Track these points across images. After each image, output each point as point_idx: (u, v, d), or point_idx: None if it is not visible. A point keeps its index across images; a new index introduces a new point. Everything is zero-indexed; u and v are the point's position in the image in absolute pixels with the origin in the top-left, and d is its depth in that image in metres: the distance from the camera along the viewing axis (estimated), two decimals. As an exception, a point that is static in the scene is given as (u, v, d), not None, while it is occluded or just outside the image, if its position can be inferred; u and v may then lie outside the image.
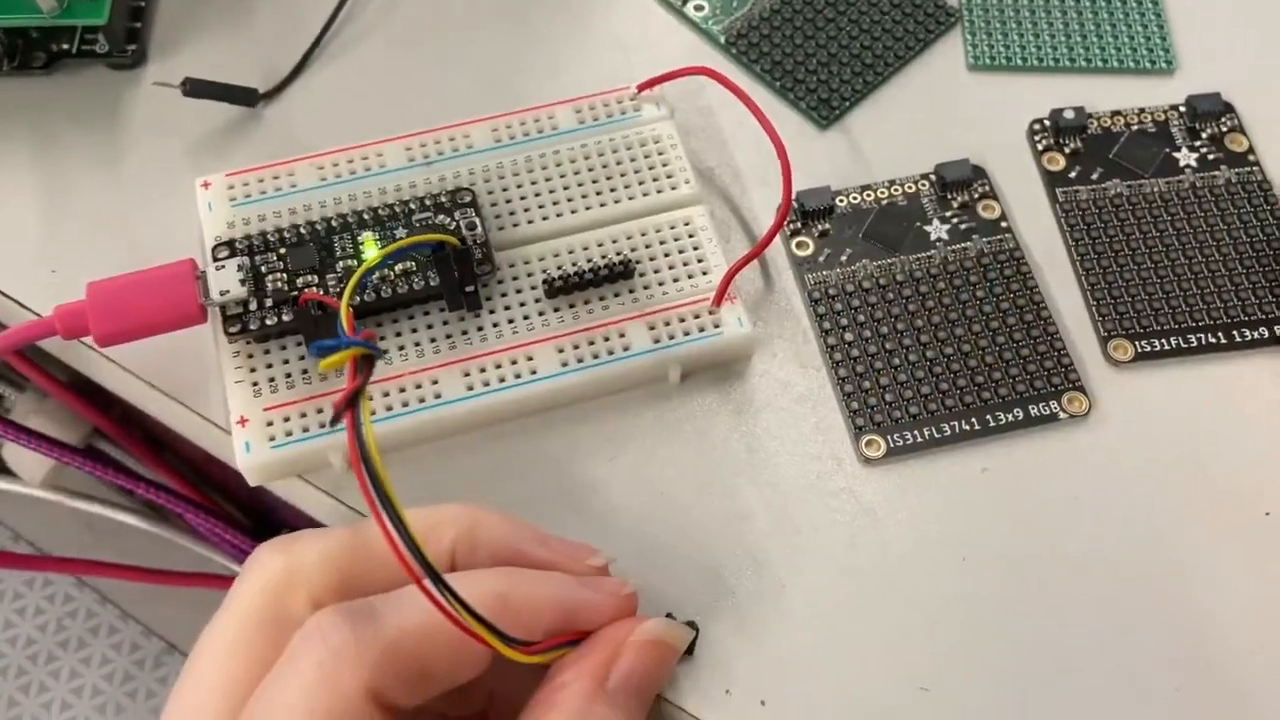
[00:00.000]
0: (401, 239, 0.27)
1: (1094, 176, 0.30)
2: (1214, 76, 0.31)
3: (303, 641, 0.19)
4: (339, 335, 0.21)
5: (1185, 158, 0.30)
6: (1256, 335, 0.27)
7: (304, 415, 0.26)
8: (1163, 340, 0.27)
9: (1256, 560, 0.26)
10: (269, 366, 0.27)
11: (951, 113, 0.31)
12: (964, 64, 0.32)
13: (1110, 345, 0.27)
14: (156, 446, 0.36)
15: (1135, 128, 0.30)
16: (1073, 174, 0.30)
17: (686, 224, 0.28)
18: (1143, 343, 0.27)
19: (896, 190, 0.29)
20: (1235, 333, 0.28)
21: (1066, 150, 0.30)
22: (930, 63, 0.32)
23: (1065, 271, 0.29)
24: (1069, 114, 0.30)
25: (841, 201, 0.29)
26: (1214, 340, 0.27)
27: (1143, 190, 0.29)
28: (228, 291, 0.26)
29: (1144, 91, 0.31)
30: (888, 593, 0.25)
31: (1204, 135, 0.30)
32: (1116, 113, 0.31)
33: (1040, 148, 0.30)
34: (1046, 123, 0.30)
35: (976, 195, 0.29)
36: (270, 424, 0.26)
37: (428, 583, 0.19)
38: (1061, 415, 0.27)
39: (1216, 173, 0.30)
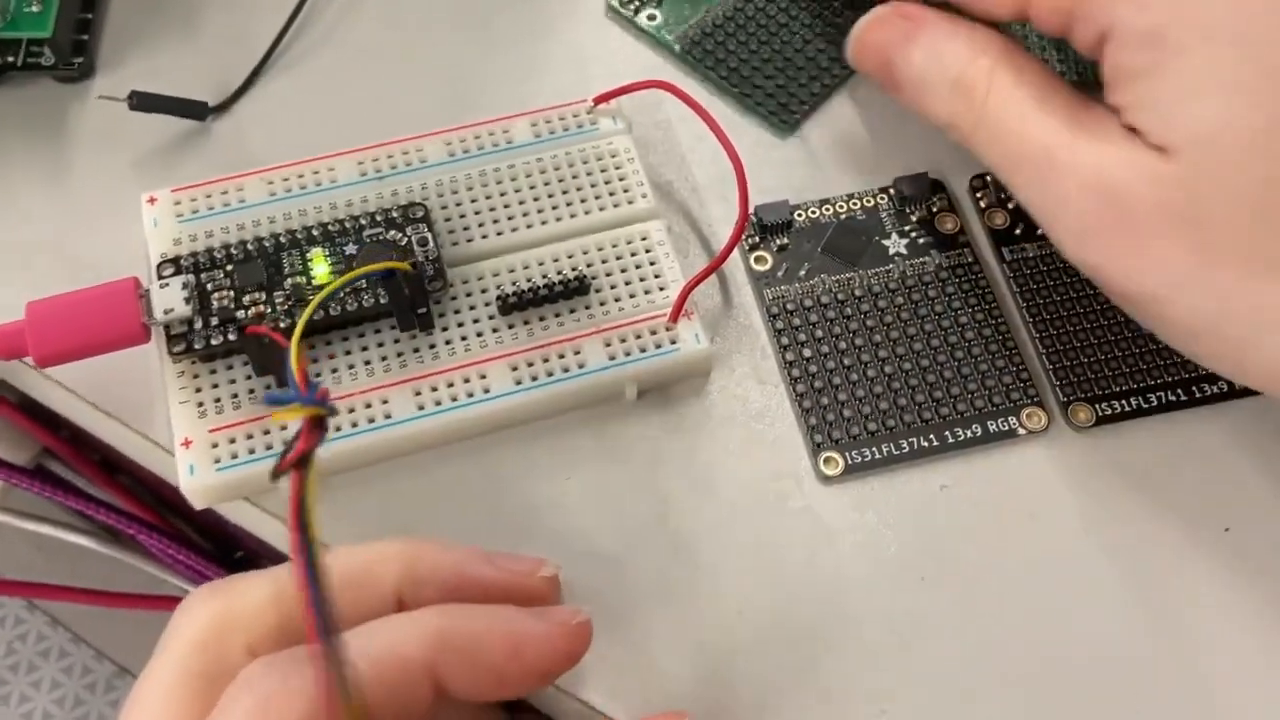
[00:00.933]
0: (347, 274, 0.25)
1: (1039, 231, 0.28)
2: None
3: (235, 693, 0.18)
4: (291, 387, 0.20)
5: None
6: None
7: (250, 437, 0.25)
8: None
9: (1221, 575, 0.25)
10: (215, 387, 0.26)
11: (913, 118, 0.31)
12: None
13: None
14: (109, 467, 0.35)
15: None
16: (1018, 230, 0.29)
17: (643, 239, 0.28)
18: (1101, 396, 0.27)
19: (855, 204, 0.29)
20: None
21: (1010, 206, 0.29)
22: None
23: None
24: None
25: (800, 215, 0.29)
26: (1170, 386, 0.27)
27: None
28: (171, 310, 0.26)
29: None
30: (845, 612, 0.25)
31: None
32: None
33: (984, 205, 0.29)
34: (988, 178, 0.30)
35: (935, 209, 0.29)
36: (216, 445, 0.25)
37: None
38: (1020, 431, 0.26)
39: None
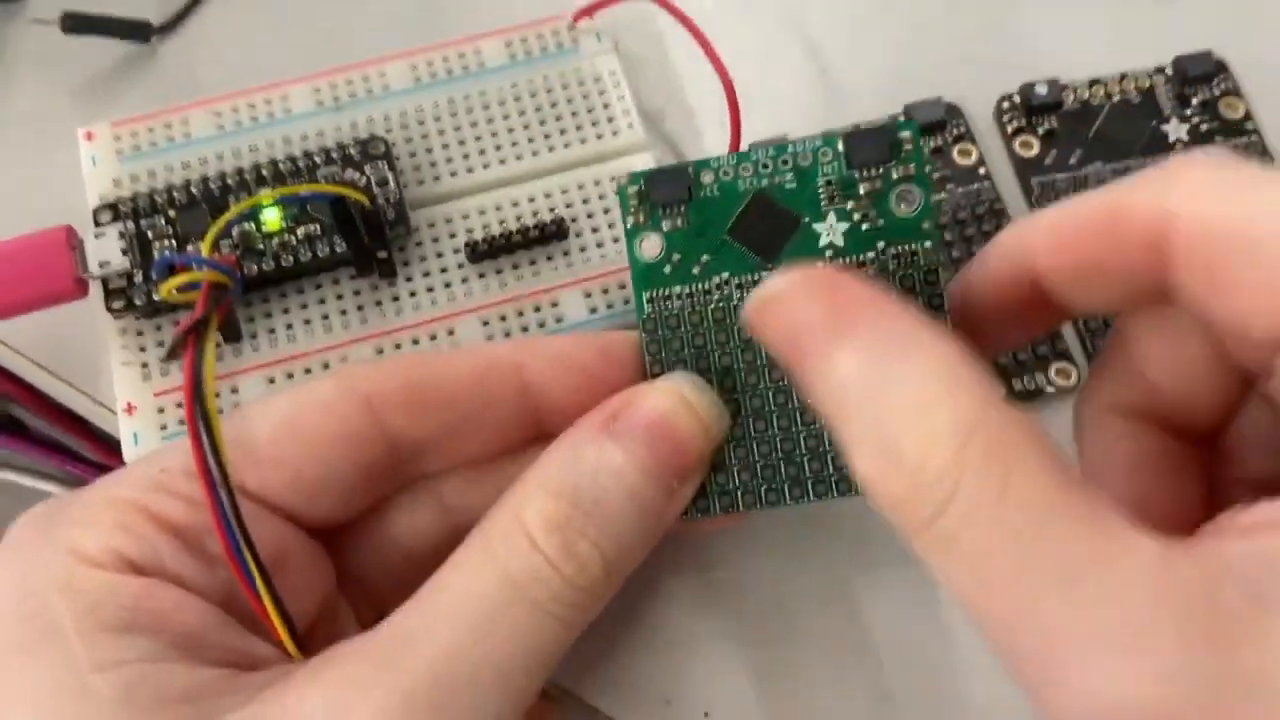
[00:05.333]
0: (282, 189, 0.23)
1: (1072, 161, 0.26)
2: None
3: None
4: (193, 257, 0.19)
5: (1175, 130, 0.26)
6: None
7: (199, 400, 0.23)
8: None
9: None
10: (159, 345, 0.24)
11: (924, 37, 0.28)
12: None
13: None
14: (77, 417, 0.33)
15: (1117, 99, 0.27)
16: (1048, 160, 0.26)
17: (629, 175, 0.25)
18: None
19: (865, 135, 0.26)
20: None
21: (1040, 131, 0.26)
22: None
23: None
24: (1041, 89, 0.26)
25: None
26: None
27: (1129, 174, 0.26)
28: (108, 263, 0.23)
29: (1149, 12, 0.28)
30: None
31: (1195, 102, 0.26)
32: (1095, 81, 0.27)
33: (1010, 129, 0.26)
34: (1016, 100, 0.26)
35: (951, 138, 0.26)
36: (162, 410, 0.23)
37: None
38: (1049, 389, 0.24)
39: (1212, 146, 0.26)
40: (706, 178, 0.20)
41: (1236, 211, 0.15)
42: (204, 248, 0.19)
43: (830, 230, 0.19)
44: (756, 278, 0.20)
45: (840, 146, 0.19)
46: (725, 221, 0.20)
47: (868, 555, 0.23)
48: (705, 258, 0.20)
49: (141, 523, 0.18)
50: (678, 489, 0.19)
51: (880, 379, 0.15)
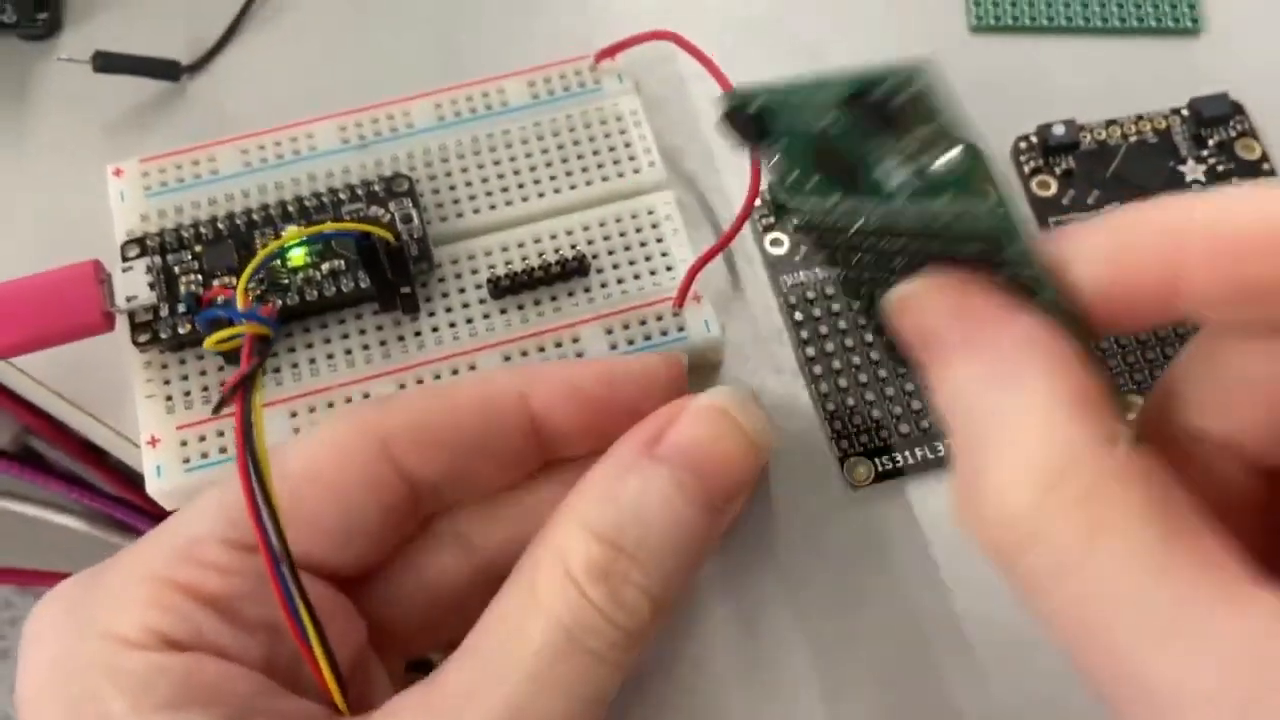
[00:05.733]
0: (310, 228, 0.24)
1: (1089, 200, 0.26)
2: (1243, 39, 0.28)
3: None
4: (233, 309, 0.19)
5: (1192, 171, 0.26)
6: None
7: (222, 434, 0.23)
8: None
9: None
10: (184, 379, 0.24)
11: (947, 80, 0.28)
12: (965, 24, 0.29)
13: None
14: (93, 446, 0.33)
15: (1134, 140, 0.27)
16: (1066, 200, 0.26)
17: (650, 213, 0.25)
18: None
19: (883, 174, 0.26)
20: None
21: (1058, 171, 0.26)
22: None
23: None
24: (1059, 129, 0.26)
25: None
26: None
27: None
28: (135, 297, 0.24)
29: (1165, 54, 0.28)
30: (882, 626, 0.23)
31: (1211, 143, 0.27)
32: (1112, 122, 0.27)
33: (1028, 170, 0.26)
34: (1033, 140, 0.27)
35: (972, 179, 0.26)
36: (185, 444, 0.23)
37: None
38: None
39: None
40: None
41: None
42: (239, 297, 0.19)
43: (889, 176, 0.16)
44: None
45: (847, 120, 0.16)
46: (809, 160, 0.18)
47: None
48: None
49: (177, 598, 0.18)
50: (724, 509, 0.19)
51: (984, 401, 0.15)
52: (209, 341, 0.18)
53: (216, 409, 0.18)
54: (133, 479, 0.34)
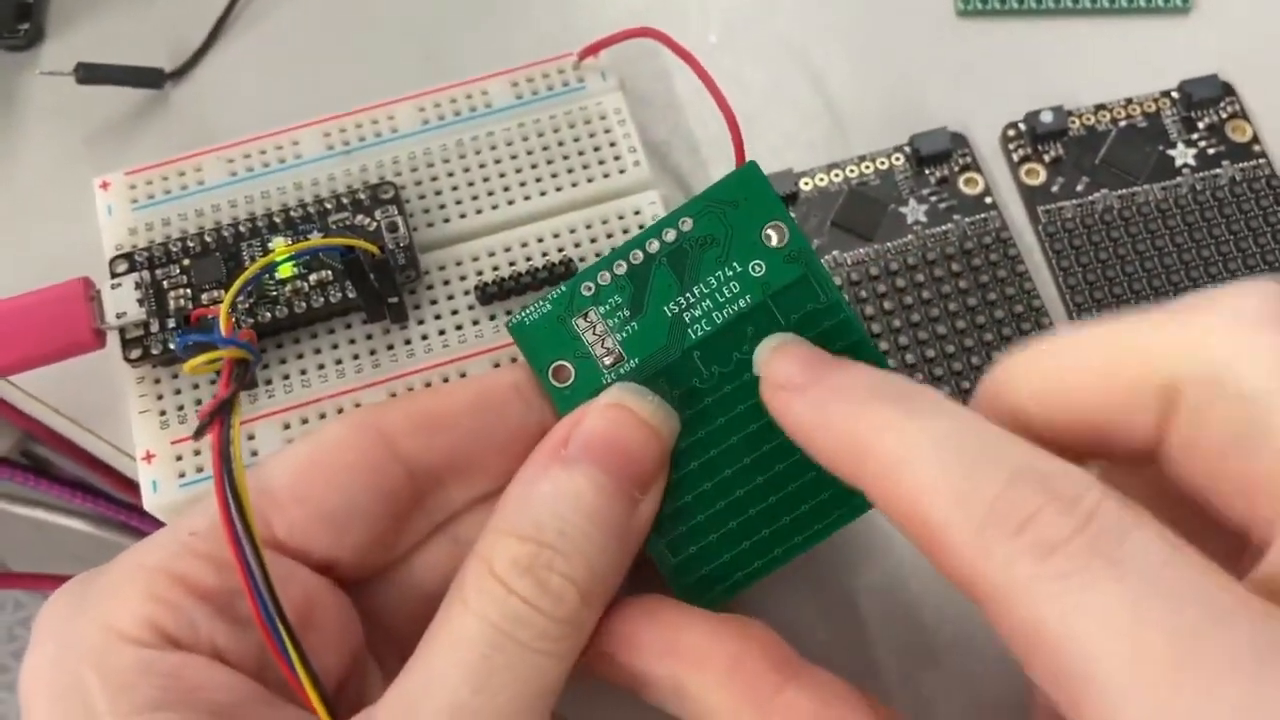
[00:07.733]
0: (297, 244, 0.24)
1: (1079, 188, 0.26)
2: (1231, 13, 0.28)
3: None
4: (215, 330, 0.19)
5: (1182, 155, 0.26)
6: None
7: (216, 447, 0.24)
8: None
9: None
10: (177, 393, 0.24)
11: (925, 64, 0.28)
12: (953, 8, 0.28)
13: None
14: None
15: (1123, 124, 0.26)
16: (1055, 187, 0.26)
17: (636, 213, 0.25)
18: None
19: (868, 168, 0.26)
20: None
21: (1047, 159, 0.26)
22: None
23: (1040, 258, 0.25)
24: (1047, 116, 0.26)
25: (806, 185, 0.26)
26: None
27: (1135, 200, 0.25)
28: (125, 314, 0.24)
29: (1154, 33, 0.28)
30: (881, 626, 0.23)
31: (1201, 126, 0.26)
32: (1100, 106, 0.27)
33: (1016, 158, 0.26)
34: (1022, 127, 0.26)
35: (957, 168, 0.26)
36: (179, 459, 0.24)
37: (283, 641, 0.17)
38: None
39: (1218, 170, 0.26)
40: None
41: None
42: (222, 318, 0.19)
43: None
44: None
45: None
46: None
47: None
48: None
49: (173, 590, 0.18)
50: (640, 498, 0.19)
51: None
52: (188, 366, 0.18)
53: (196, 434, 0.18)
54: (136, 484, 0.35)
